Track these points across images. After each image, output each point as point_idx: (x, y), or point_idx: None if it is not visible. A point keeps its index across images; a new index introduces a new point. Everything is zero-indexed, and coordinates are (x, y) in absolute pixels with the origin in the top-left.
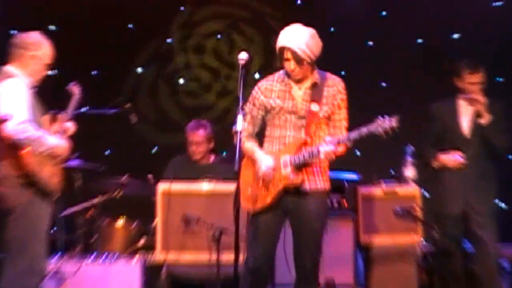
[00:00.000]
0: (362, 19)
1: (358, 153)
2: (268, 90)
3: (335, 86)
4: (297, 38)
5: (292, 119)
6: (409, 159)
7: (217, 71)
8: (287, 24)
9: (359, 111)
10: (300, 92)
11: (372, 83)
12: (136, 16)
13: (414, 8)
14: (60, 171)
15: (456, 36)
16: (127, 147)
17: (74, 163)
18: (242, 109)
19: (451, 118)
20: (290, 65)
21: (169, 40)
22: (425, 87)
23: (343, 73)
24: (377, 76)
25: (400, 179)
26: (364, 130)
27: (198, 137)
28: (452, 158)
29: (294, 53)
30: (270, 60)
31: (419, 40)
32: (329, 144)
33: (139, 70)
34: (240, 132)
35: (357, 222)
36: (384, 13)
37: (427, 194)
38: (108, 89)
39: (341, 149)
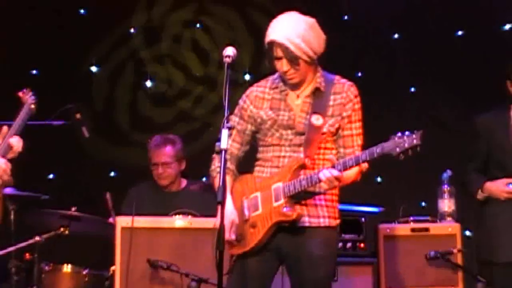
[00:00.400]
0: (386, 4)
1: (379, 179)
2: (259, 98)
3: (344, 93)
4: (289, 29)
5: (288, 135)
6: (446, 187)
7: (195, 71)
8: (285, 8)
9: (380, 125)
10: (298, 101)
11: (398, 87)
12: None
13: None
14: None
15: (508, 27)
16: (76, 170)
17: (7, 190)
18: (228, 120)
19: (502, 135)
20: (282, 65)
21: (132, 30)
22: (467, 94)
23: (359, 74)
24: (405, 78)
25: (434, 214)
26: (376, 150)
27: (165, 156)
28: (504, 188)
29: (286, 49)
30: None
31: (460, 32)
32: (331, 168)
33: (94, 69)
34: (225, 151)
35: (377, 271)
36: None
37: (470, 234)
38: (52, 93)
39: (351, 174)
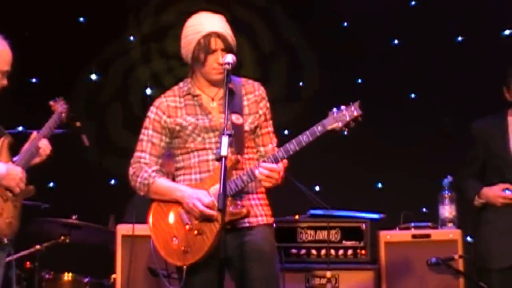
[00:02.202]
0: (385, 11)
1: (379, 186)
2: (172, 108)
3: (256, 91)
4: (221, 23)
5: (211, 138)
6: (447, 193)
7: None
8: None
9: (381, 130)
10: (214, 103)
11: (397, 94)
12: (88, 6)
13: None
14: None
15: (508, 32)
16: (77, 179)
17: None
18: (228, 128)
19: (499, 140)
20: (219, 57)
21: (131, 38)
22: (468, 100)
23: (359, 81)
24: (404, 85)
25: (435, 220)
26: (317, 128)
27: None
28: (500, 193)
29: (225, 40)
30: (262, 62)
31: (459, 38)
32: (262, 162)
33: (93, 77)
34: (225, 158)
35: (379, 277)
36: (413, 3)
37: (471, 240)
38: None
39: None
